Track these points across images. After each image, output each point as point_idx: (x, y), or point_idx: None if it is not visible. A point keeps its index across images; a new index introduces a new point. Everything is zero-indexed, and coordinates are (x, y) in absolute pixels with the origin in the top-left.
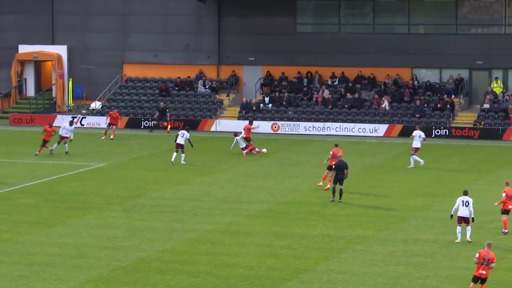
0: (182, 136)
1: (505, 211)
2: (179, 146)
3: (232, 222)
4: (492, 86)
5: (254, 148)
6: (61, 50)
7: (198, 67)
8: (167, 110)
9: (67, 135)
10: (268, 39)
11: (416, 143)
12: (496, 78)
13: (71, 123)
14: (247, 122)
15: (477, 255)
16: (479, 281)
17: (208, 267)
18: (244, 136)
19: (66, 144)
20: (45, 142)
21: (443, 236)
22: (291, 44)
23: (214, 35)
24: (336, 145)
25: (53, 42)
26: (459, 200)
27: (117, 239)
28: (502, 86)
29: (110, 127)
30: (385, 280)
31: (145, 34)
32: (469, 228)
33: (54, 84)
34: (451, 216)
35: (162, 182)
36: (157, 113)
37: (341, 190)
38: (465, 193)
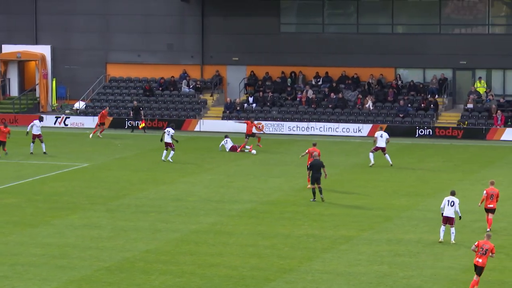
0: (168, 134)
1: (486, 210)
2: (167, 144)
3: (216, 222)
4: (475, 86)
5: (245, 146)
6: (45, 50)
7: (182, 67)
8: (141, 109)
9: (39, 132)
10: (252, 39)
11: (380, 143)
12: (480, 78)
13: (41, 119)
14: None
15: (475, 243)
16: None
17: (192, 267)
18: (246, 132)
19: (43, 144)
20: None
21: (427, 235)
22: (275, 44)
23: (198, 35)
24: (314, 144)
25: (36, 42)
26: (445, 199)
27: (101, 239)
28: (485, 86)
29: (100, 126)
30: (369, 279)
31: (128, 34)
32: (453, 230)
33: (37, 84)
34: (442, 214)
35: (146, 182)
36: (131, 113)
37: (320, 188)
38: (452, 193)
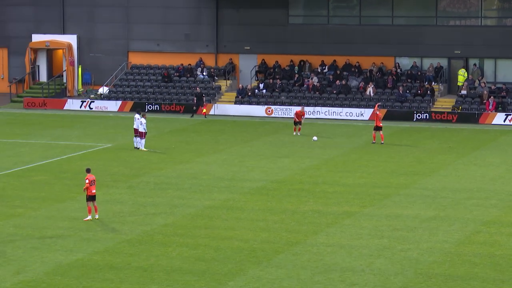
0: (138, 120)
1: (376, 128)
2: (135, 131)
3: (229, 198)
4: (458, 73)
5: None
6: (71, 39)
7: (198, 55)
8: (203, 95)
9: (145, 129)
10: (263, 30)
11: (138, 126)
12: (464, 67)
13: (139, 112)
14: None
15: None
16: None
17: (206, 240)
18: (296, 120)
19: (144, 139)
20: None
21: (423, 212)
22: (283, 34)
23: (212, 26)
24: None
25: (63, 32)
26: None
27: (123, 214)
28: (466, 75)
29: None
30: (370, 252)
31: (148, 25)
32: None
33: (64, 70)
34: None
35: (165, 161)
36: (194, 99)
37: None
38: None
